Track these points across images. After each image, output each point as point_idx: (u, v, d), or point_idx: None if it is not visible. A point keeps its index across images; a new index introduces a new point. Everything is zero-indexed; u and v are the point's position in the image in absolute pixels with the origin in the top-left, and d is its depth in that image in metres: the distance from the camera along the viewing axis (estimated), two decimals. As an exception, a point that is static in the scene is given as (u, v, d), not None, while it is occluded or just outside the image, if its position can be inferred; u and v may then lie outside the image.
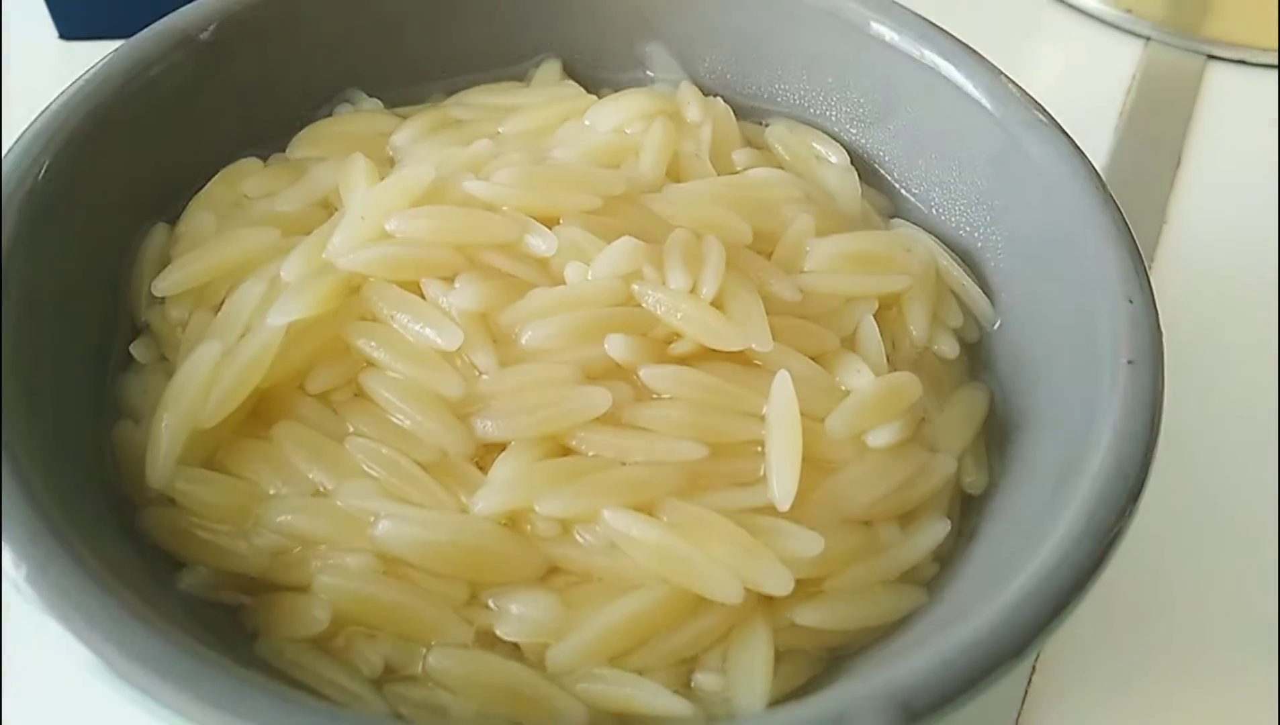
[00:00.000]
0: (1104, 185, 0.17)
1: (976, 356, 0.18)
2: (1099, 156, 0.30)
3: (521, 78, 0.22)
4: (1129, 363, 0.14)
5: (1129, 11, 0.33)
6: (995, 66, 0.19)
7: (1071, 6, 0.34)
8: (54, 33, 0.30)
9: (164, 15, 0.30)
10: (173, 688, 0.11)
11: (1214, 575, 0.21)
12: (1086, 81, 0.33)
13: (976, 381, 0.18)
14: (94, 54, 0.30)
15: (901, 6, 0.20)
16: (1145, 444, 0.14)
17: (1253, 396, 0.24)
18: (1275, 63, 0.32)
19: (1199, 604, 0.20)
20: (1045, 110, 0.18)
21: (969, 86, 0.19)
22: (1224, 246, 0.28)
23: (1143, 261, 0.16)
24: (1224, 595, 0.21)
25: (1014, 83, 0.19)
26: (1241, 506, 0.22)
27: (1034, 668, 0.19)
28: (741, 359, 0.16)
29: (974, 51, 0.19)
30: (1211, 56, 0.33)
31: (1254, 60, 0.32)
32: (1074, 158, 0.17)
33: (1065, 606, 0.12)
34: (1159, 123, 0.31)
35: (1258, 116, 0.31)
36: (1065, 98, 0.32)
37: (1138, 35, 0.33)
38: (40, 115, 0.17)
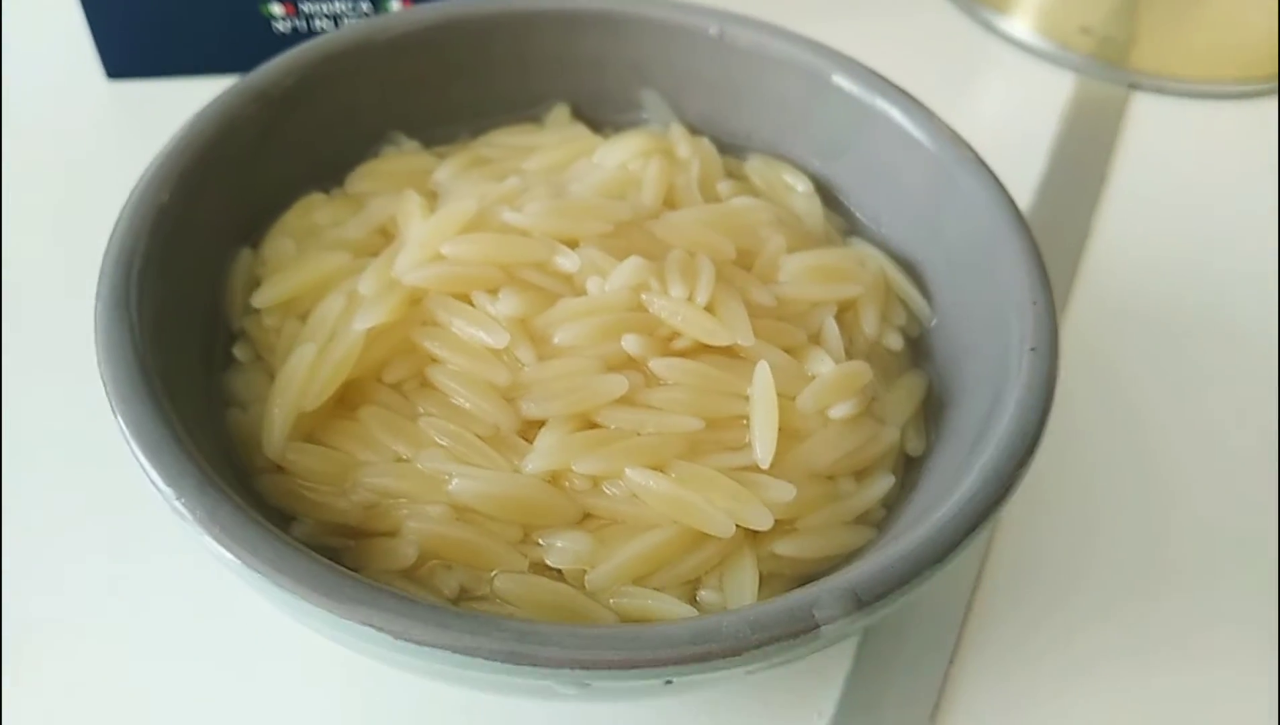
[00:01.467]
0: (1017, 209, 0.21)
1: (918, 348, 0.22)
2: (1033, 175, 0.33)
3: (537, 119, 0.25)
4: (1032, 350, 0.18)
5: (1063, 46, 0.37)
6: (933, 112, 0.23)
7: (1009, 40, 0.38)
8: (101, 72, 0.32)
9: (202, 55, 0.33)
10: (319, 594, 0.14)
11: (1142, 499, 0.25)
12: (1022, 108, 0.36)
13: (918, 369, 0.22)
14: (140, 92, 0.33)
15: (856, 61, 0.24)
16: (1041, 412, 0.17)
17: (1154, 388, 0.27)
18: (1192, 91, 0.36)
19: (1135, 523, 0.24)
20: (972, 147, 0.22)
21: (911, 128, 0.22)
22: (1142, 256, 0.31)
23: (1045, 270, 0.20)
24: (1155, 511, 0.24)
25: (947, 125, 0.22)
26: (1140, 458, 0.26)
27: (976, 583, 0.23)
28: (729, 352, 0.20)
29: (915, 99, 0.23)
30: (1134, 86, 0.37)
31: (1172, 89, 0.36)
32: (993, 187, 0.21)
33: (974, 530, 0.16)
34: (1087, 145, 0.35)
35: (1175, 139, 0.35)
36: (1004, 122, 0.37)
37: (1070, 67, 0.37)
38: (153, 161, 0.20)
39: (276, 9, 0.32)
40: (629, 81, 0.26)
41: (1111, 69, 0.37)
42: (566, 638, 0.14)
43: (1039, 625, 0.22)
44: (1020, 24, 0.38)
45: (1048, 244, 0.31)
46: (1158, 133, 0.35)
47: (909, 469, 0.20)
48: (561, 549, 0.17)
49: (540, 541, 0.18)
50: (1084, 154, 0.34)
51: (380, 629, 0.14)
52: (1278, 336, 0.29)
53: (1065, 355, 0.27)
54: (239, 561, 0.15)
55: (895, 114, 0.23)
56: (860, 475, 0.19)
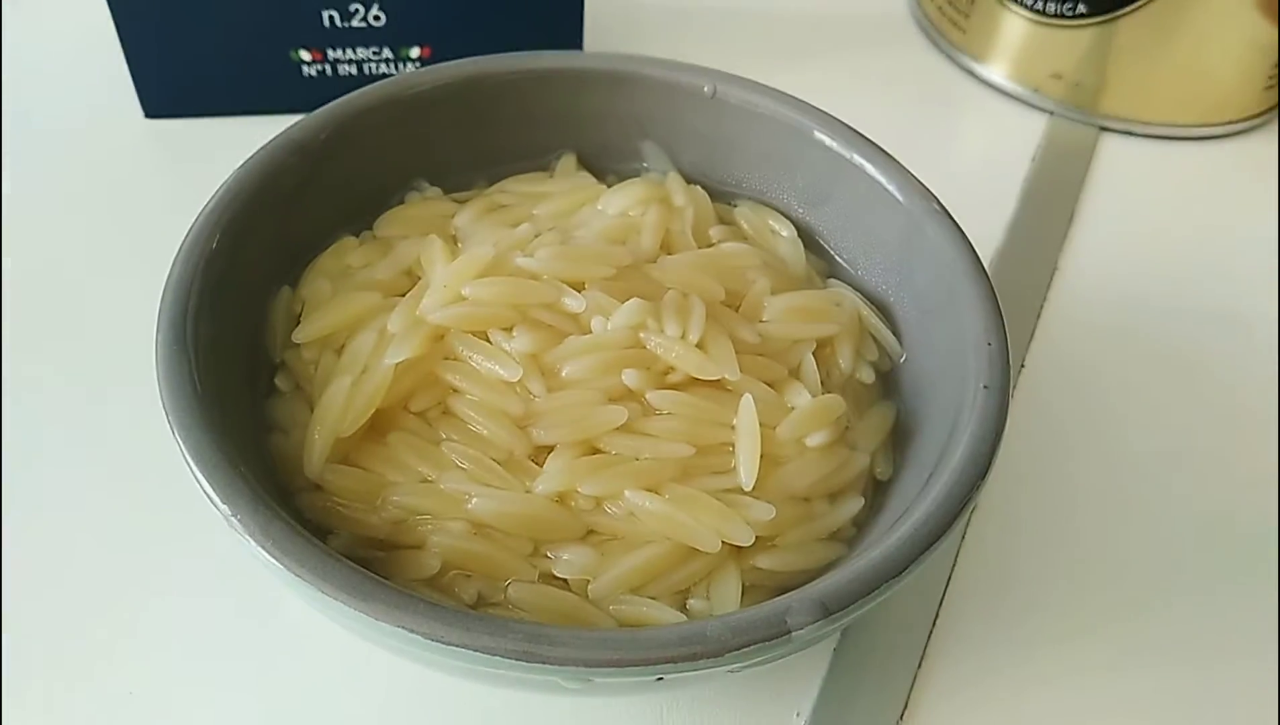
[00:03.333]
0: (978, 259, 0.23)
1: (889, 382, 0.24)
2: (1006, 212, 0.35)
3: (546, 168, 0.28)
4: (985, 388, 0.21)
5: (1036, 90, 0.40)
6: (904, 167, 0.25)
7: (989, 85, 0.40)
8: (140, 111, 0.35)
9: (236, 96, 0.35)
10: (361, 600, 0.17)
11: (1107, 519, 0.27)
12: (999, 148, 0.38)
13: (887, 400, 0.24)
14: (177, 131, 0.35)
15: (835, 118, 0.26)
16: (992, 444, 0.20)
17: (1118, 411, 0.30)
18: (1157, 133, 0.39)
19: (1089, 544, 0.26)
20: (939, 202, 0.24)
21: (884, 181, 0.24)
22: (1107, 291, 0.33)
23: (1001, 315, 0.22)
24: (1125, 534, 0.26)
25: (918, 179, 0.25)
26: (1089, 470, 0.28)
27: (945, 590, 0.25)
28: (718, 386, 0.22)
29: (889, 155, 0.25)
30: (1104, 129, 0.39)
31: (1139, 131, 0.39)
32: (958, 238, 0.23)
33: (929, 548, 0.18)
34: (1057, 184, 0.37)
35: (1142, 179, 0.37)
36: (981, 162, 0.39)
37: (1043, 110, 0.40)
38: (204, 209, 0.22)
39: (305, 55, 0.35)
40: (631, 134, 0.28)
41: (1081, 112, 0.39)
42: (572, 639, 0.16)
43: (1006, 630, 0.25)
44: (996, 69, 0.40)
45: (1017, 278, 0.33)
46: (1125, 173, 0.38)
47: (877, 491, 0.22)
48: (568, 561, 0.20)
49: (549, 554, 0.20)
50: (1054, 192, 0.37)
51: (413, 631, 0.16)
52: (1277, 367, 0.31)
53: (1034, 377, 0.30)
54: (289, 572, 0.17)
55: (869, 168, 0.25)
56: (833, 497, 0.22)
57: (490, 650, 0.16)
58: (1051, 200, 0.36)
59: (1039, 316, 0.32)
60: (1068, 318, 0.32)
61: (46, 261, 0.31)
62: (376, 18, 0.34)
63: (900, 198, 0.24)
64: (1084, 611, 0.25)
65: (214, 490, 0.18)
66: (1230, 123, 0.39)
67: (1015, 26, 0.39)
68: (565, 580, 0.20)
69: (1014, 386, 0.30)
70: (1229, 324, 0.32)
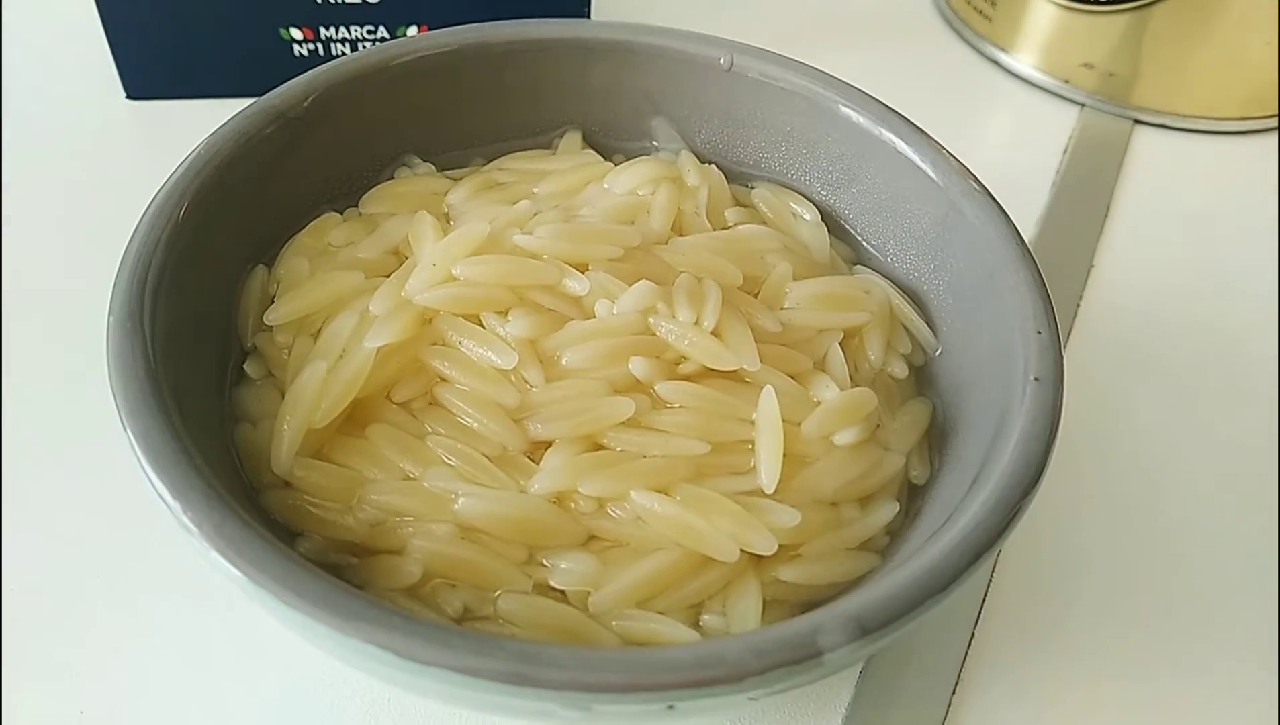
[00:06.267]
0: (1022, 240, 0.21)
1: (923, 377, 0.22)
2: (1037, 207, 0.34)
3: (549, 145, 0.26)
4: (1035, 380, 0.18)
5: (1067, 81, 0.38)
6: (939, 143, 0.23)
7: (1017, 76, 0.39)
8: (122, 93, 0.33)
9: (222, 77, 0.33)
10: (324, 611, 0.14)
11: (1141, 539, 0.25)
12: (1029, 141, 0.37)
13: (922, 396, 0.22)
14: (160, 112, 0.33)
15: (863, 92, 0.24)
16: (1045, 443, 0.18)
17: (1154, 414, 0.28)
18: (1194, 126, 0.37)
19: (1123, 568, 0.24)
20: (978, 179, 0.22)
21: (917, 159, 0.22)
22: (1142, 286, 0.32)
23: (1050, 301, 0.20)
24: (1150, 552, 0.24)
25: (954, 156, 0.23)
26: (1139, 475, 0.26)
27: (980, 610, 0.23)
28: (735, 377, 0.20)
29: (922, 130, 0.23)
30: (1138, 121, 0.37)
31: (1174, 125, 0.37)
32: (999, 218, 0.21)
33: (977, 560, 0.16)
34: (1090, 178, 0.35)
35: (1177, 173, 0.36)
36: (1010, 155, 0.37)
37: (1074, 102, 0.38)
38: (169, 178, 0.20)
39: (295, 33, 0.33)
40: (640, 110, 0.26)
41: (1115, 104, 0.37)
42: (570, 660, 0.14)
43: (1044, 654, 0.22)
44: (1024, 59, 0.38)
45: (1051, 274, 0.31)
46: (1160, 166, 0.36)
47: (913, 496, 0.20)
48: (566, 570, 0.18)
49: (545, 562, 0.18)
50: (1087, 186, 0.35)
51: (384, 647, 0.14)
52: (1278, 367, 0.29)
53: (1072, 375, 0.28)
54: (244, 577, 0.15)
55: (901, 145, 0.23)
56: (864, 502, 0.19)
57: (475, 672, 0.14)
58: (1085, 195, 0.35)
59: (1075, 314, 0.30)
60: (1104, 316, 0.31)
61: (23, 246, 0.29)
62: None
63: (934, 175, 0.22)
64: (1131, 625, 0.23)
65: (162, 482, 0.16)
66: (1270, 116, 0.37)
67: (1044, 14, 0.37)
68: (563, 592, 0.18)
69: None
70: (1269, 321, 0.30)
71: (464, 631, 0.14)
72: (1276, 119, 0.37)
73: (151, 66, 0.33)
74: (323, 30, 0.33)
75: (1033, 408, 0.18)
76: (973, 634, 0.23)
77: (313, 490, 0.18)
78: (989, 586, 0.23)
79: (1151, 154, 0.36)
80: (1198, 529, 0.25)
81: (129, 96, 0.33)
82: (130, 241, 0.19)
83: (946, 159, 0.22)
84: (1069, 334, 0.30)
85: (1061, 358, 0.19)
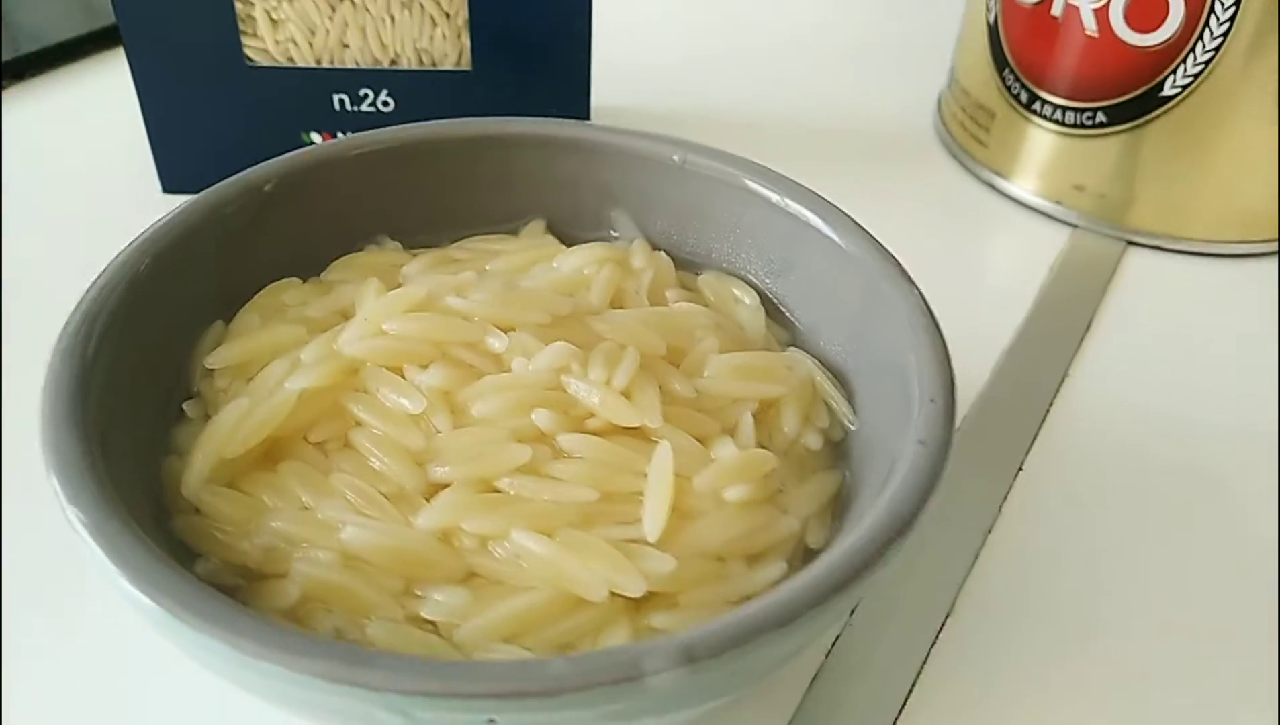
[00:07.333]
0: (931, 315, 0.21)
1: (840, 450, 0.22)
2: (1016, 315, 0.34)
3: (514, 232, 0.28)
4: (920, 443, 0.19)
5: (1059, 203, 0.38)
6: (864, 228, 0.23)
7: (1011, 199, 0.39)
8: (158, 187, 0.36)
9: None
10: (213, 626, 0.15)
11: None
12: (1018, 259, 0.37)
13: (834, 469, 0.22)
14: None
15: (800, 185, 0.25)
16: (917, 499, 0.17)
17: (1116, 526, 0.27)
18: (1189, 249, 0.37)
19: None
20: (897, 261, 0.22)
21: (844, 243, 0.23)
22: (1118, 400, 0.31)
23: (950, 372, 0.20)
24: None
25: (876, 241, 0.23)
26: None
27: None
28: (640, 435, 0.20)
29: (850, 217, 0.24)
30: (1131, 242, 0.37)
31: (1169, 246, 0.37)
32: (912, 294, 0.21)
33: (824, 602, 0.16)
34: (1075, 293, 0.35)
35: (1168, 294, 0.35)
36: (997, 272, 0.37)
37: (1067, 223, 0.38)
38: (142, 232, 0.22)
39: (315, 137, 0.36)
40: (600, 201, 0.27)
41: (1108, 225, 0.37)
42: (390, 663, 0.14)
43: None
44: (1019, 183, 0.39)
45: (1021, 379, 0.31)
46: (1150, 287, 0.35)
47: (808, 559, 0.20)
48: (438, 602, 0.18)
49: (420, 594, 0.18)
50: (1071, 301, 0.35)
51: (216, 638, 0.14)
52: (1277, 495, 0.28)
53: (1033, 480, 0.27)
54: (101, 553, 0.16)
55: (830, 231, 0.24)
56: (752, 559, 0.19)
57: (300, 669, 0.14)
58: (1068, 307, 0.35)
59: (1044, 420, 0.30)
60: (1075, 424, 0.30)
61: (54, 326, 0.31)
62: (385, 103, 0.35)
63: (858, 256, 0.23)
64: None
65: (56, 468, 0.17)
66: (1270, 240, 0.37)
67: (1037, 139, 0.38)
68: (434, 623, 0.18)
69: (1009, 488, 0.28)
70: (1249, 445, 0.29)
71: (295, 631, 0.15)
72: (1277, 243, 0.37)
73: (186, 163, 0.36)
74: (340, 134, 0.35)
75: (911, 467, 0.18)
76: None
77: (216, 514, 0.19)
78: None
79: (1142, 274, 0.36)
80: (1154, 638, 0.24)
81: (165, 190, 0.36)
82: (93, 282, 0.21)
83: (869, 242, 0.23)
84: (1034, 439, 0.29)
85: (951, 425, 0.19)
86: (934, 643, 0.24)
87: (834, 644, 0.24)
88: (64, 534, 0.16)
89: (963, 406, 0.30)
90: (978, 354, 0.32)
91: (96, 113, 0.41)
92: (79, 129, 0.41)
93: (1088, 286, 0.36)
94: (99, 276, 0.21)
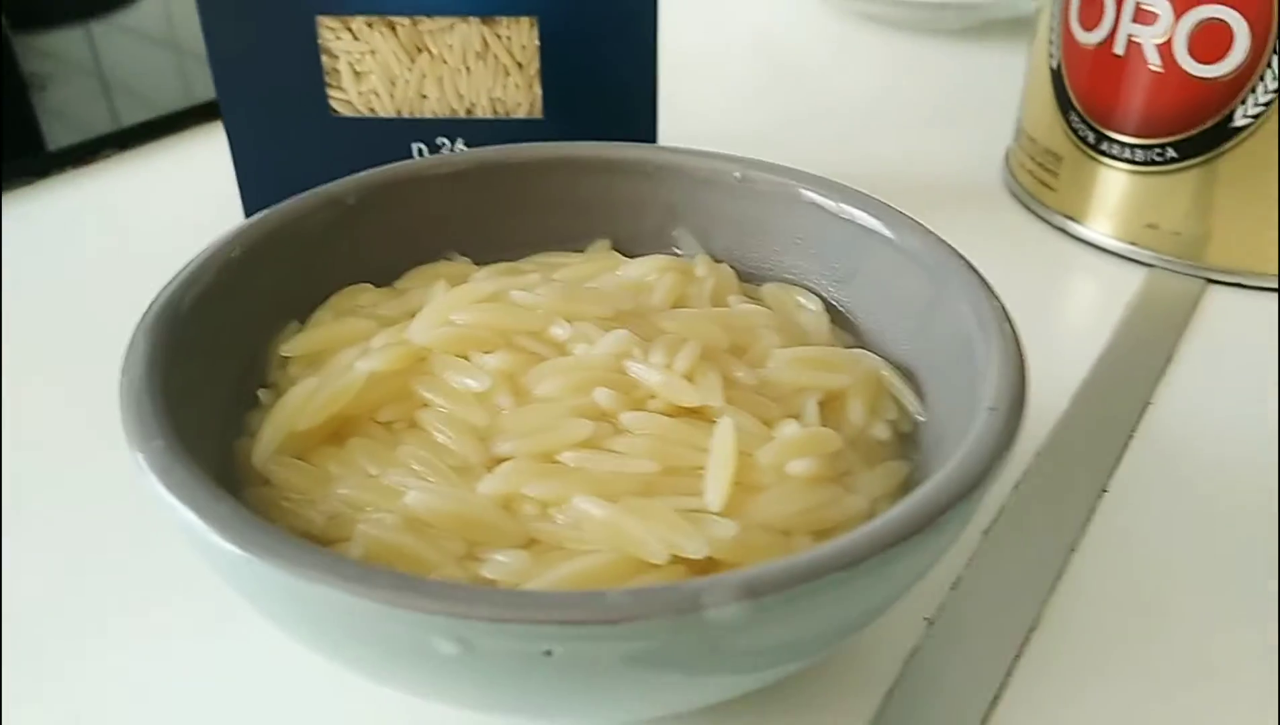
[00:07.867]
0: (1002, 312, 0.21)
1: (910, 442, 0.22)
2: (1094, 349, 0.33)
3: (580, 251, 0.29)
4: (990, 409, 0.18)
5: (1133, 243, 0.38)
6: (927, 227, 0.23)
7: (1084, 242, 0.39)
8: (241, 214, 0.37)
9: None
10: (275, 557, 0.15)
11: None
12: (1091, 298, 0.36)
13: (904, 458, 0.21)
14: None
15: (858, 192, 0.25)
16: (983, 464, 0.17)
17: (1187, 563, 0.26)
18: (1272, 286, 0.36)
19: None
20: (964, 257, 0.22)
21: (908, 244, 0.23)
22: (1202, 427, 0.30)
23: (1022, 373, 0.19)
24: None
25: (942, 240, 0.23)
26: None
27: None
28: (702, 416, 0.20)
29: (911, 218, 0.24)
30: (1211, 281, 0.36)
31: (1250, 283, 0.36)
32: (980, 290, 0.21)
33: (884, 550, 0.15)
34: (1155, 327, 0.34)
35: (1251, 331, 0.34)
36: (1069, 309, 0.36)
37: (1142, 263, 0.37)
38: (235, 227, 0.23)
39: (392, 180, 0.37)
40: (663, 221, 0.28)
41: (1185, 263, 0.36)
42: (451, 590, 0.14)
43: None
44: (1091, 226, 0.38)
45: (1102, 405, 0.30)
46: (1232, 324, 0.34)
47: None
48: (499, 562, 0.18)
49: (481, 557, 0.18)
50: (1150, 335, 0.34)
51: (274, 565, 0.15)
52: None
53: (1117, 503, 0.26)
54: (167, 492, 0.16)
55: (893, 234, 0.24)
56: (819, 535, 0.19)
57: (359, 594, 0.14)
58: (1148, 341, 0.34)
59: (1128, 443, 0.29)
60: (1159, 447, 0.29)
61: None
62: (461, 151, 0.37)
63: (924, 256, 0.23)
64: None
65: (129, 427, 0.17)
66: (1359, 275, 0.36)
67: (1106, 179, 0.38)
68: (495, 584, 0.18)
69: (1094, 509, 0.27)
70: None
71: (348, 560, 0.15)
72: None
73: (268, 193, 0.36)
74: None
75: (984, 429, 0.18)
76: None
77: (284, 484, 0.20)
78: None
79: (1223, 310, 0.35)
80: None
81: (247, 217, 0.38)
82: (181, 270, 0.22)
83: (933, 240, 0.23)
84: (1118, 459, 0.28)
85: (1023, 395, 0.19)
86: (1018, 655, 0.23)
87: (911, 656, 0.23)
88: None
89: (1043, 426, 0.29)
90: (1056, 383, 0.31)
91: (193, 178, 0.43)
92: (175, 191, 0.43)
93: (1167, 322, 0.35)
94: (187, 264, 0.22)
